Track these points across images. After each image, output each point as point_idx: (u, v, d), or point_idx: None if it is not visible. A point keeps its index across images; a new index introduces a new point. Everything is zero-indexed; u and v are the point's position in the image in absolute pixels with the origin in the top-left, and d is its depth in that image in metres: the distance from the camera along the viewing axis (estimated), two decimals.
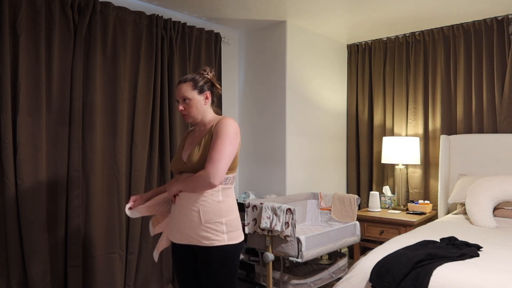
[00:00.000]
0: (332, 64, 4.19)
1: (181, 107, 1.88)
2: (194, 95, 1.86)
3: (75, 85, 2.68)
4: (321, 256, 3.60)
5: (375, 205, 3.72)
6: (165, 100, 3.16)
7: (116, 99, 2.89)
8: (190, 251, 1.92)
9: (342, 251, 3.80)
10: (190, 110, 1.87)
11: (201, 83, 1.88)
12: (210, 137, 1.83)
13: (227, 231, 1.81)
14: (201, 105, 1.88)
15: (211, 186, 1.74)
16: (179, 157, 1.93)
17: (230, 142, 1.78)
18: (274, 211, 2.74)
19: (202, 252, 1.82)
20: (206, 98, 1.90)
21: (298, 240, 2.71)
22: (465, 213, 3.17)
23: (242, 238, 1.89)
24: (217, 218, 1.80)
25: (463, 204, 3.29)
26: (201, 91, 1.88)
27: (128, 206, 1.98)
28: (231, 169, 1.86)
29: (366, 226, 3.57)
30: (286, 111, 3.63)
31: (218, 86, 1.97)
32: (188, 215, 1.82)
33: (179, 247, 1.93)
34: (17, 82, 2.44)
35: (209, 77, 1.93)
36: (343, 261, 3.34)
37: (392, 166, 4.04)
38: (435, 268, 1.88)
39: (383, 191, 3.94)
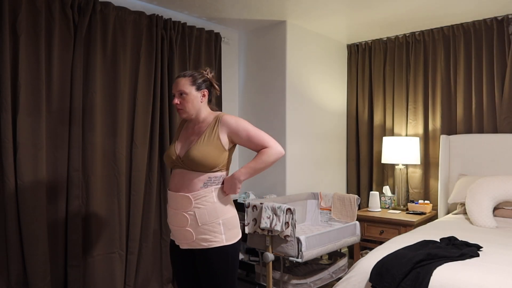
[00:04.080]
0: (332, 64, 4.19)
1: (176, 101, 1.87)
2: (191, 90, 1.86)
3: (75, 85, 2.68)
4: (321, 256, 3.59)
5: (375, 205, 3.72)
6: (165, 100, 3.15)
7: (116, 99, 2.88)
8: (189, 254, 1.91)
9: (342, 251, 3.80)
10: (185, 105, 1.86)
11: (199, 80, 1.88)
12: (214, 133, 1.83)
13: (225, 230, 1.81)
14: (197, 102, 1.87)
15: (282, 154, 1.86)
16: (173, 151, 1.89)
17: (247, 124, 1.87)
18: (274, 211, 2.74)
19: (201, 254, 1.81)
20: (203, 95, 1.89)
21: (298, 240, 2.71)
22: (465, 213, 3.17)
23: (240, 236, 1.88)
24: (213, 218, 1.80)
25: (463, 204, 3.29)
26: (198, 88, 1.88)
27: None
28: (227, 168, 1.88)
29: (366, 226, 3.57)
30: (286, 111, 3.63)
31: (216, 87, 1.97)
32: (184, 220, 1.81)
33: (178, 250, 1.93)
34: (17, 82, 2.44)
35: (208, 77, 1.93)
36: (343, 261, 3.34)
37: (392, 166, 4.04)
38: (435, 268, 1.89)
39: (383, 191, 3.94)
